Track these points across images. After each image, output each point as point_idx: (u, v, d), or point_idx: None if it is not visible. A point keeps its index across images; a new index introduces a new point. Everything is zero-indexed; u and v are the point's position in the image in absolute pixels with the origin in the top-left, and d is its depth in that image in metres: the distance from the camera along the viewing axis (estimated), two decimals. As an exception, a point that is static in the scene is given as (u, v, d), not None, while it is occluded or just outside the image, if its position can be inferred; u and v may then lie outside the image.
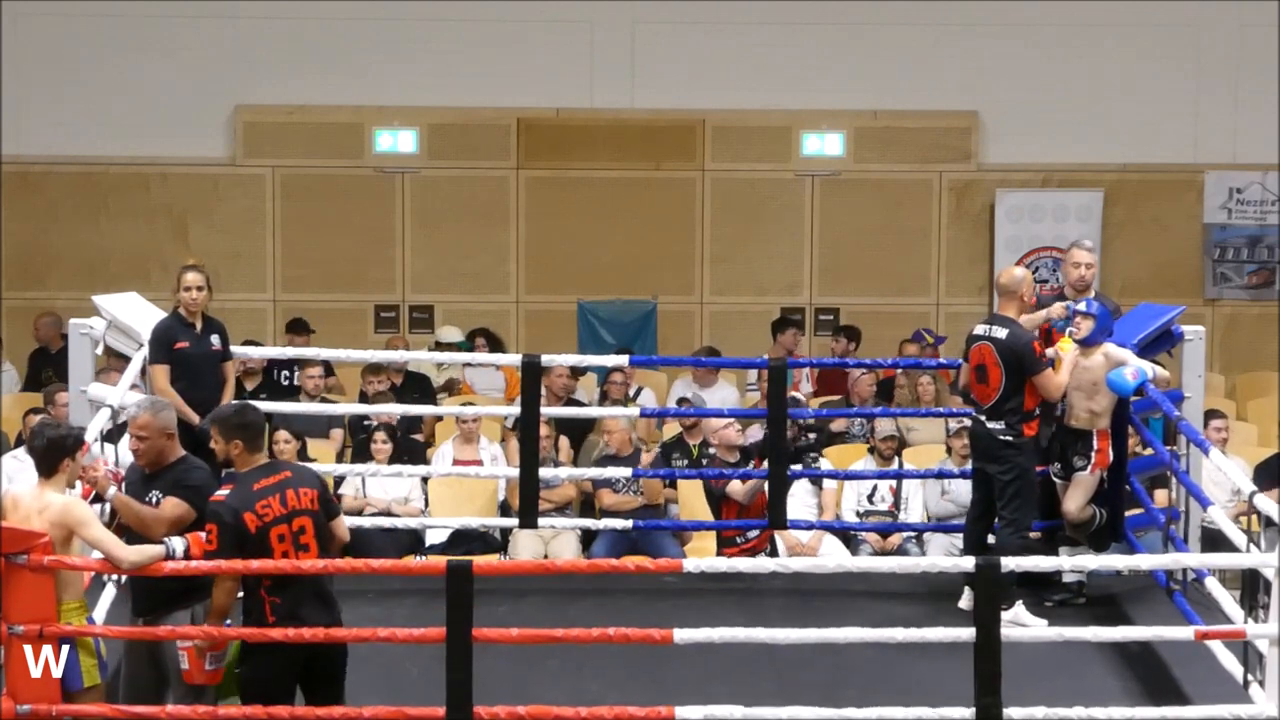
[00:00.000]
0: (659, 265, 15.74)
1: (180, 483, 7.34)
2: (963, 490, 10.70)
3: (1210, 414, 11.51)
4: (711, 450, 10.80)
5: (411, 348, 14.41)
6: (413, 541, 11.30)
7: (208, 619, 7.13)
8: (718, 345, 14.85)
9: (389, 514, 11.19)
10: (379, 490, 11.37)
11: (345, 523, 7.46)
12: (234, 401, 8.07)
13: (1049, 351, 9.24)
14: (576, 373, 13.24)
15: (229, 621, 7.15)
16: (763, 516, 10.13)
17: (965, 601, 8.97)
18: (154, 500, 7.30)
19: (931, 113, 15.59)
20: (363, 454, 11.68)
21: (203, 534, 7.16)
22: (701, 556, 10.50)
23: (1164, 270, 15.57)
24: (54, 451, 7.16)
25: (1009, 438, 9.01)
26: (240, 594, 7.19)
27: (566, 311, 15.67)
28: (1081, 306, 9.21)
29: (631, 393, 13.44)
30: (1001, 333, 9.04)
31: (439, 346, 14.37)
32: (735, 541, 10.39)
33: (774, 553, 10.43)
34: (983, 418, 9.10)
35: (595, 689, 8.05)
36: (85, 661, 7.12)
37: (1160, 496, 10.37)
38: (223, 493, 7.09)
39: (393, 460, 11.30)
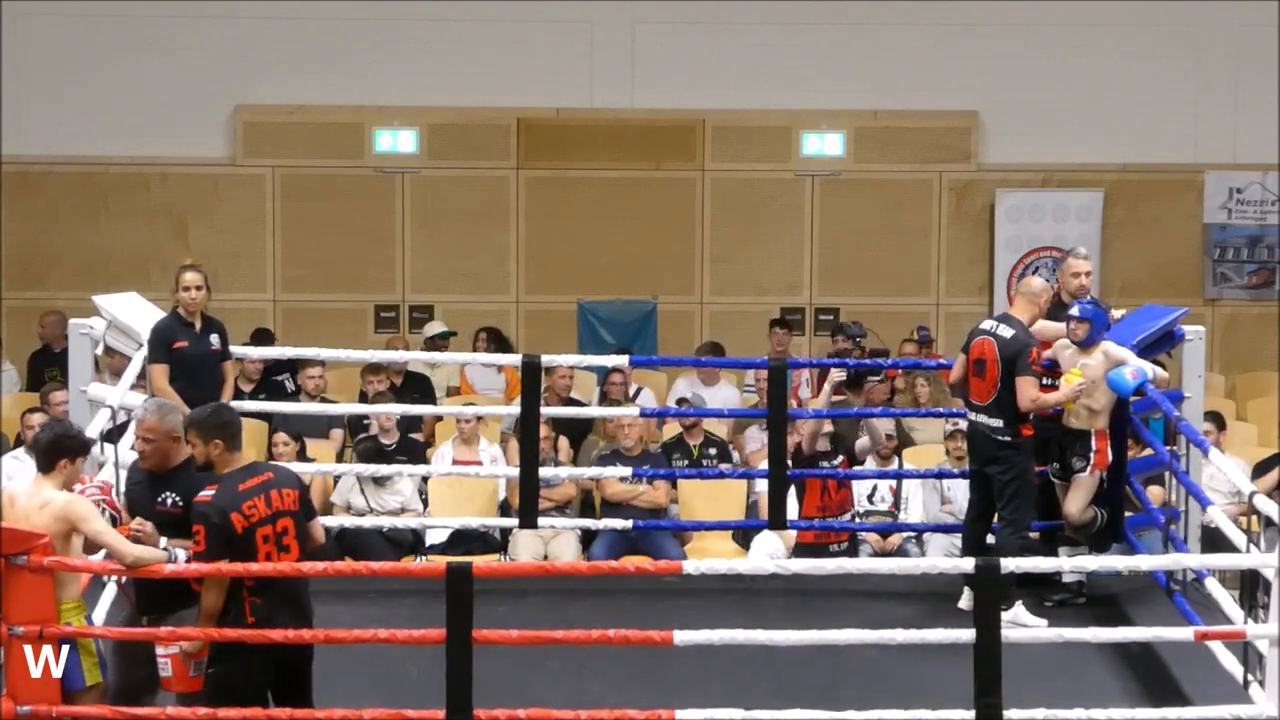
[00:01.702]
0: (659, 265, 15.73)
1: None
2: (964, 503, 10.61)
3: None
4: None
5: (411, 348, 14.39)
6: (413, 542, 11.29)
7: (199, 622, 7.08)
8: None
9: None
10: (376, 503, 11.32)
11: (321, 524, 7.44)
12: (207, 405, 7.91)
13: (1047, 353, 9.25)
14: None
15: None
16: (844, 510, 10.19)
17: (965, 602, 8.97)
18: (169, 502, 7.28)
19: (931, 113, 15.58)
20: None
21: None
22: (701, 557, 10.50)
23: (1164, 270, 15.56)
24: (56, 449, 7.16)
25: (1006, 438, 9.01)
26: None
27: (566, 311, 15.65)
28: (1075, 310, 9.20)
29: (631, 393, 13.42)
30: (1008, 331, 9.04)
31: (429, 344, 14.32)
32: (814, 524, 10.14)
33: (854, 551, 10.28)
34: (978, 416, 9.10)
35: (595, 690, 8.06)
36: (85, 660, 7.12)
37: (1155, 493, 10.37)
38: (208, 493, 7.04)
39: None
